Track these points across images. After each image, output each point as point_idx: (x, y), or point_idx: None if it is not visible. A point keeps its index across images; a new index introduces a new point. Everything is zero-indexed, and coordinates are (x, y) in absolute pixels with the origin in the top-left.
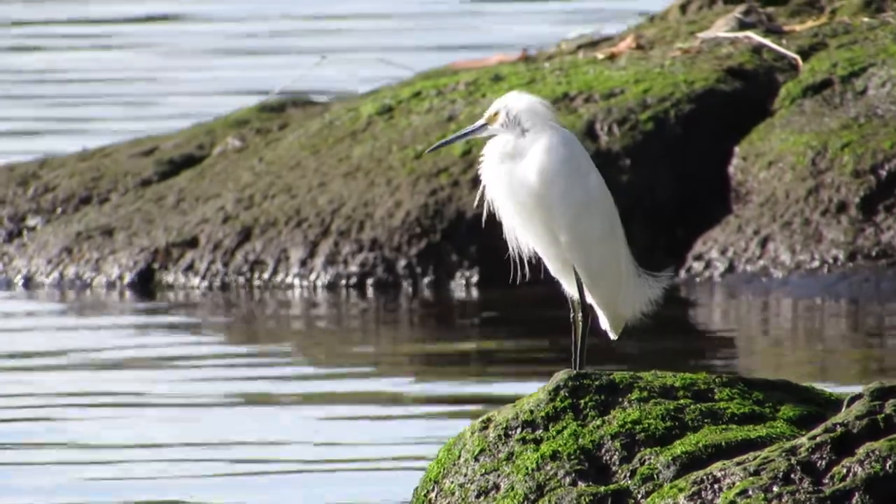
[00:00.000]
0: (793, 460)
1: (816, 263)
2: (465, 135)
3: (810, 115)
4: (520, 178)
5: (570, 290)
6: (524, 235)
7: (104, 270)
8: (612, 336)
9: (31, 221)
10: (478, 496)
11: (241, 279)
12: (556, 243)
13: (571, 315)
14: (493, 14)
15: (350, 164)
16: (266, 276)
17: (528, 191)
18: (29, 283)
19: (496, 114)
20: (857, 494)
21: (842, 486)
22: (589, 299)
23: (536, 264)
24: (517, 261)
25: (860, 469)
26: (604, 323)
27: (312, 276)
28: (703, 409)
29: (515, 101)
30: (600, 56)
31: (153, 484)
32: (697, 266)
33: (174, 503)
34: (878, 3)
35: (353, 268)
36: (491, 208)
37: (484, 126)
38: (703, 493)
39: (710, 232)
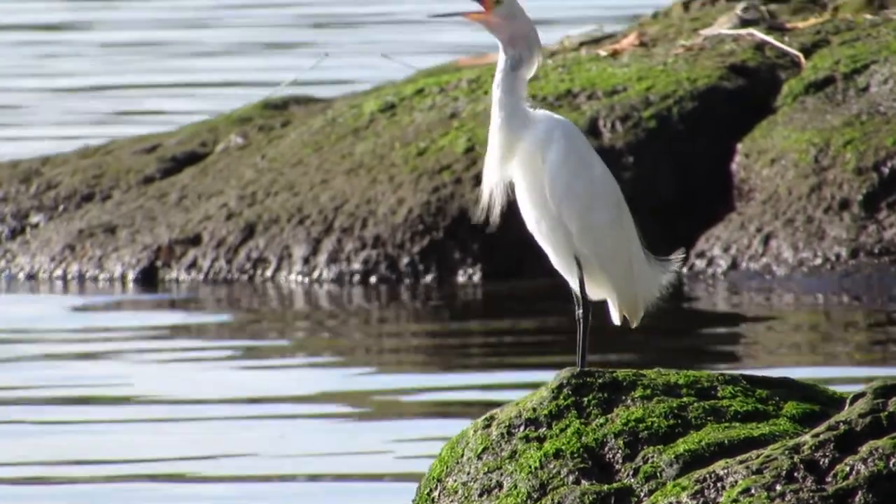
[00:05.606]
0: (796, 458)
1: (819, 261)
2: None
3: (813, 113)
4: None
5: (573, 284)
6: (536, 219)
7: (107, 268)
8: (632, 324)
9: (34, 218)
10: (481, 494)
11: (245, 276)
12: (562, 233)
13: (577, 313)
14: None
15: (352, 161)
16: (269, 273)
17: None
18: (32, 280)
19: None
20: (860, 493)
21: (845, 485)
22: (591, 294)
23: (532, 246)
24: (489, 207)
25: (863, 467)
26: (615, 315)
27: (315, 274)
28: (706, 406)
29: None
30: (603, 53)
31: (142, 489)
32: (700, 263)
33: None
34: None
35: (356, 265)
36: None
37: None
38: (705, 491)
39: (713, 229)
